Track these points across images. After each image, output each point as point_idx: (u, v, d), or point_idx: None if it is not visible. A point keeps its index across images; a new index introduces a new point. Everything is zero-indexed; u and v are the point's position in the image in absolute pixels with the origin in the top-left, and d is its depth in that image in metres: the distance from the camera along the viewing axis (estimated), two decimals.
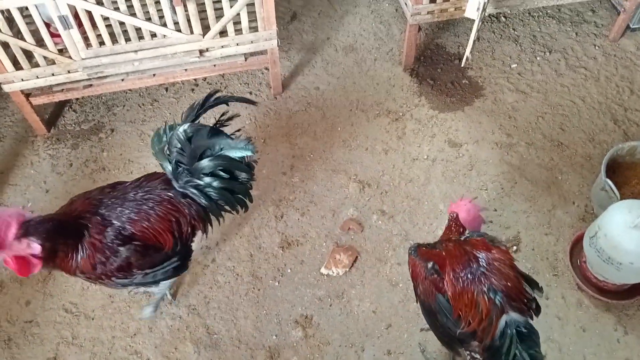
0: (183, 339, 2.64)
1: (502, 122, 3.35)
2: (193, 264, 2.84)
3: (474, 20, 3.07)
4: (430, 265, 2.08)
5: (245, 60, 3.24)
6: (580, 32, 3.79)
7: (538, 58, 3.66)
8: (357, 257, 2.86)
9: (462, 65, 3.48)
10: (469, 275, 1.94)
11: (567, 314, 2.68)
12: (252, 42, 3.13)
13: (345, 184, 3.13)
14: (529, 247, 2.87)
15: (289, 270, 2.84)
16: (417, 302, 2.25)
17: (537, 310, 1.98)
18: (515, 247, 2.86)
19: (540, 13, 3.90)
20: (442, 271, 2.02)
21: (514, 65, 3.63)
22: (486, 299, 1.90)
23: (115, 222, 2.21)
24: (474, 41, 3.07)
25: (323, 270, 2.82)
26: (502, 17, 3.88)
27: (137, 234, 2.23)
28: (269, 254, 2.89)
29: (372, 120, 3.40)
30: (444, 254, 2.05)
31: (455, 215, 2.30)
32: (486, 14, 3.08)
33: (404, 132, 3.34)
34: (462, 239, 2.12)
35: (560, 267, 2.81)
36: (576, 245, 2.81)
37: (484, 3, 2.91)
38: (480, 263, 1.95)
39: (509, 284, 1.91)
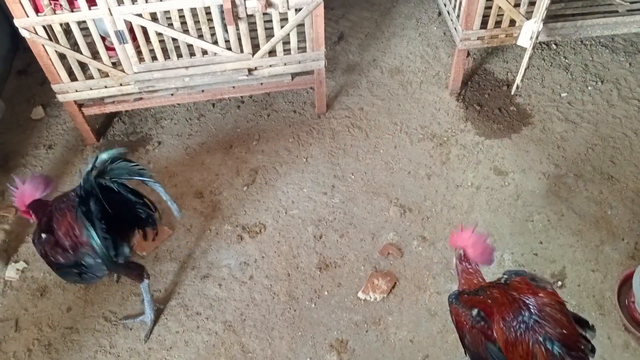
0: (218, 355, 2.64)
1: (550, 152, 3.27)
2: (231, 280, 2.86)
3: (524, 47, 3.02)
4: (475, 312, 1.99)
5: (292, 79, 3.27)
6: (634, 62, 3.68)
7: (589, 87, 3.58)
8: (395, 283, 2.82)
9: (512, 93, 3.42)
10: (521, 325, 1.86)
11: (612, 355, 2.58)
12: (299, 62, 3.15)
13: (386, 208, 3.10)
14: (574, 283, 2.78)
15: (326, 293, 2.82)
16: (465, 354, 2.15)
17: (592, 351, 1.89)
18: (560, 283, 2.77)
19: (593, 42, 3.81)
20: (489, 319, 1.95)
21: (564, 94, 3.55)
22: (543, 350, 1.81)
23: (53, 212, 2.34)
24: (525, 69, 3.02)
25: (360, 295, 2.79)
26: (553, 45, 3.81)
27: (53, 226, 2.33)
28: (306, 275, 2.88)
29: (415, 143, 3.38)
30: (489, 301, 1.97)
31: (462, 253, 2.19)
32: (537, 42, 3.03)
33: (448, 157, 3.29)
34: (502, 281, 2.04)
35: (607, 306, 2.71)
36: (625, 284, 2.70)
37: (537, 32, 2.86)
38: (532, 310, 1.86)
39: (564, 331, 1.83)
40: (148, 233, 2.48)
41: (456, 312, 2.11)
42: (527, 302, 1.89)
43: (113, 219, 2.26)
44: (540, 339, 1.83)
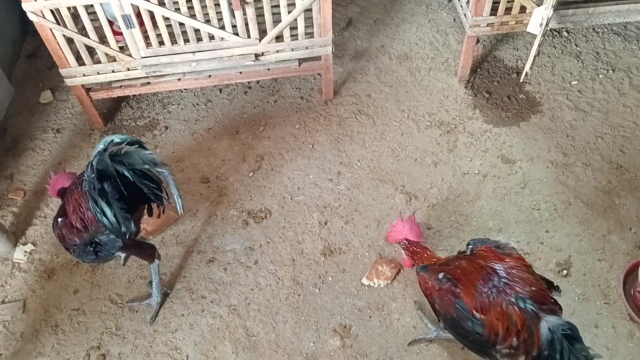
0: (222, 338, 2.67)
1: (559, 141, 3.24)
2: (236, 264, 2.88)
3: (535, 34, 2.98)
4: (441, 275, 2.08)
5: (299, 65, 3.25)
6: None
7: (600, 76, 3.53)
8: (399, 269, 2.82)
9: (521, 81, 3.39)
10: (492, 289, 1.93)
11: (616, 344, 2.57)
12: (307, 48, 3.14)
13: (391, 195, 3.10)
14: (580, 272, 2.76)
15: (330, 278, 2.83)
16: (439, 320, 2.23)
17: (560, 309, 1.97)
18: (565, 272, 2.76)
19: (605, 29, 3.76)
20: (459, 285, 2.02)
21: (574, 82, 3.51)
22: (517, 309, 1.89)
23: (67, 195, 2.41)
24: (535, 56, 2.98)
25: (364, 281, 2.80)
26: (565, 32, 3.76)
27: (66, 207, 2.38)
28: (310, 260, 2.89)
29: (423, 131, 3.36)
30: (459, 271, 2.04)
31: (406, 242, 2.34)
32: (548, 29, 2.99)
33: (455, 144, 3.28)
34: (469, 252, 2.12)
35: (612, 296, 2.69)
36: (631, 274, 2.69)
37: (547, 18, 2.82)
38: (500, 274, 1.95)
39: (533, 288, 1.91)
40: (153, 209, 2.47)
41: (424, 279, 2.19)
42: (495, 267, 1.97)
43: (123, 198, 2.28)
44: (513, 299, 1.90)
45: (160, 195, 2.39)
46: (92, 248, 2.39)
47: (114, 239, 2.36)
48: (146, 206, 2.46)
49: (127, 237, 2.33)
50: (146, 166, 2.25)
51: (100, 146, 2.24)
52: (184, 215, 2.41)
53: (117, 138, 2.27)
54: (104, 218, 2.24)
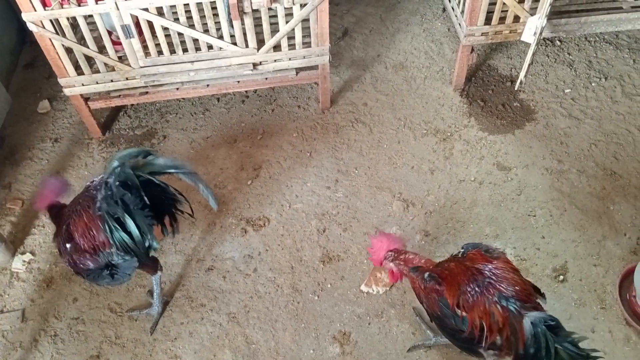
0: (222, 346, 2.67)
1: (553, 148, 3.28)
2: (235, 272, 2.89)
3: (528, 43, 3.03)
4: (426, 275, 2.11)
5: (297, 74, 3.28)
6: (638, 59, 3.69)
7: (593, 84, 3.59)
8: None
9: (515, 89, 3.44)
10: (476, 289, 1.97)
11: (613, 349, 2.59)
12: (304, 57, 3.17)
13: (389, 202, 3.12)
14: (576, 278, 2.79)
15: (329, 286, 2.84)
16: (430, 320, 2.27)
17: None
18: (562, 277, 2.79)
19: (597, 38, 3.82)
20: (445, 283, 2.06)
21: (567, 90, 3.56)
22: (499, 308, 1.92)
23: (71, 216, 2.31)
24: (529, 65, 3.03)
25: (363, 288, 2.81)
26: (558, 41, 3.81)
27: (72, 231, 2.29)
28: (309, 268, 2.91)
29: (419, 139, 3.39)
30: (447, 272, 2.09)
31: (394, 252, 2.32)
32: (542, 38, 3.04)
33: (451, 152, 3.31)
34: (460, 255, 2.17)
35: (609, 300, 2.72)
36: (626, 279, 2.72)
37: (541, 27, 2.87)
38: (485, 274, 1.98)
39: (517, 287, 1.94)
40: (167, 226, 2.44)
41: (412, 280, 2.23)
42: (481, 268, 2.01)
43: (147, 207, 2.22)
44: (495, 299, 1.94)
45: (177, 208, 2.38)
46: (108, 271, 2.36)
47: (131, 260, 2.33)
48: (160, 226, 2.42)
49: (148, 254, 2.30)
50: (171, 170, 2.21)
51: (115, 163, 2.18)
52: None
53: (131, 150, 2.22)
54: (123, 235, 2.19)
